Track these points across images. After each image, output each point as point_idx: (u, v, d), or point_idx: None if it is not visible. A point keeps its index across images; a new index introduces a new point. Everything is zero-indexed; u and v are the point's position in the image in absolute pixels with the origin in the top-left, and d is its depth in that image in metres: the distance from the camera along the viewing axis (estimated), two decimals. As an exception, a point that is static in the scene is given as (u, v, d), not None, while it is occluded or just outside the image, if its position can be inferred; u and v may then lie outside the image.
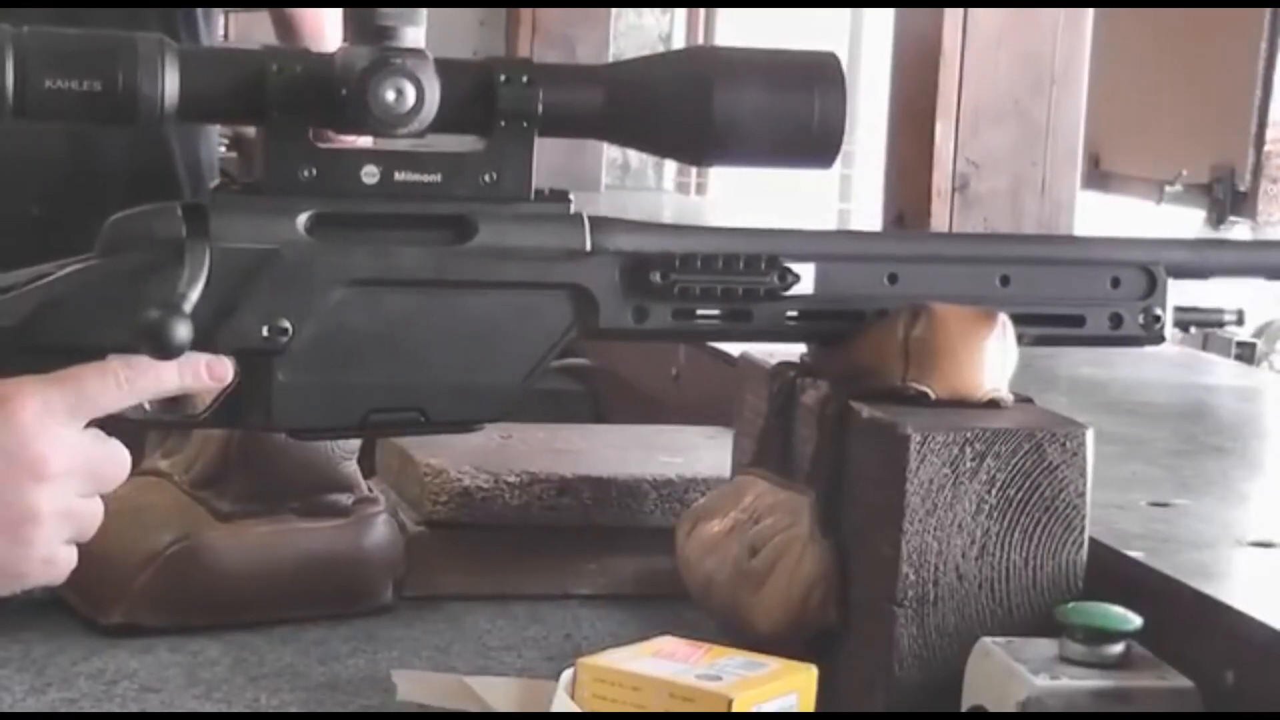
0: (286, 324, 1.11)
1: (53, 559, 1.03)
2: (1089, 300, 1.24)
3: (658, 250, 1.17)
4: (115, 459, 1.04)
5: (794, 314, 1.20)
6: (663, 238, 1.18)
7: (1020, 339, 1.22)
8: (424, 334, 1.13)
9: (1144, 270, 1.25)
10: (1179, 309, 1.27)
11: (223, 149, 2.26)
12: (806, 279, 1.19)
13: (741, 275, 1.18)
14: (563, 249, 1.15)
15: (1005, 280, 1.23)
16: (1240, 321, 1.34)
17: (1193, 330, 1.42)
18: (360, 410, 1.14)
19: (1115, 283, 1.25)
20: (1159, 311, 1.25)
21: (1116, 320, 1.25)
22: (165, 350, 1.03)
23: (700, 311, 1.18)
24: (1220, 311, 1.32)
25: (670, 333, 1.19)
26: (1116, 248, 1.26)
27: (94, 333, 1.08)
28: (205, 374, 1.07)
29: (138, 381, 1.04)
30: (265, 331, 1.11)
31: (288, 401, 1.12)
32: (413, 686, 1.21)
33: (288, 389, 1.12)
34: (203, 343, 1.08)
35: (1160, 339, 1.26)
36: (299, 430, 1.16)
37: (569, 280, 1.15)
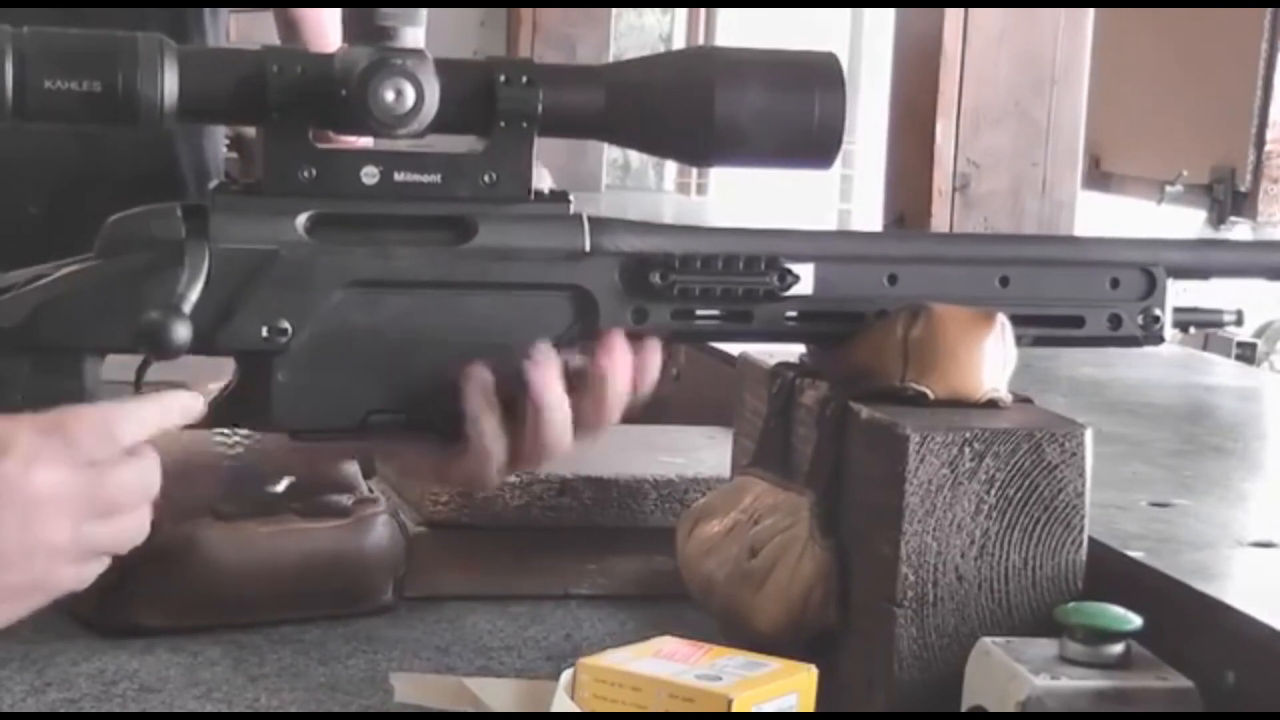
0: (286, 325, 1.11)
1: (80, 579, 1.03)
2: (1088, 301, 1.24)
3: (657, 251, 1.17)
4: (129, 484, 1.04)
5: (793, 314, 1.20)
6: (662, 238, 1.18)
7: (1020, 340, 1.22)
8: (423, 335, 1.14)
9: (1143, 271, 1.25)
10: (1178, 309, 1.26)
11: (223, 150, 2.26)
12: (806, 280, 1.19)
13: (741, 276, 1.17)
14: (562, 250, 1.15)
15: (1005, 281, 1.23)
16: (1240, 322, 1.33)
17: (1193, 330, 1.42)
18: (360, 411, 1.14)
19: (1115, 283, 1.24)
20: (1158, 312, 1.25)
21: (1116, 321, 1.25)
22: (164, 350, 1.03)
23: (700, 312, 1.18)
24: (1220, 312, 1.32)
25: (670, 333, 1.19)
26: (1116, 248, 1.26)
27: (93, 334, 1.08)
28: (177, 414, 1.07)
29: (121, 430, 1.03)
30: (265, 332, 1.11)
31: (287, 402, 1.12)
32: (411, 688, 1.21)
33: (287, 389, 1.12)
34: (202, 343, 1.08)
35: (1159, 340, 1.26)
36: (298, 431, 1.16)
37: (569, 281, 1.15)
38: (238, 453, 1.24)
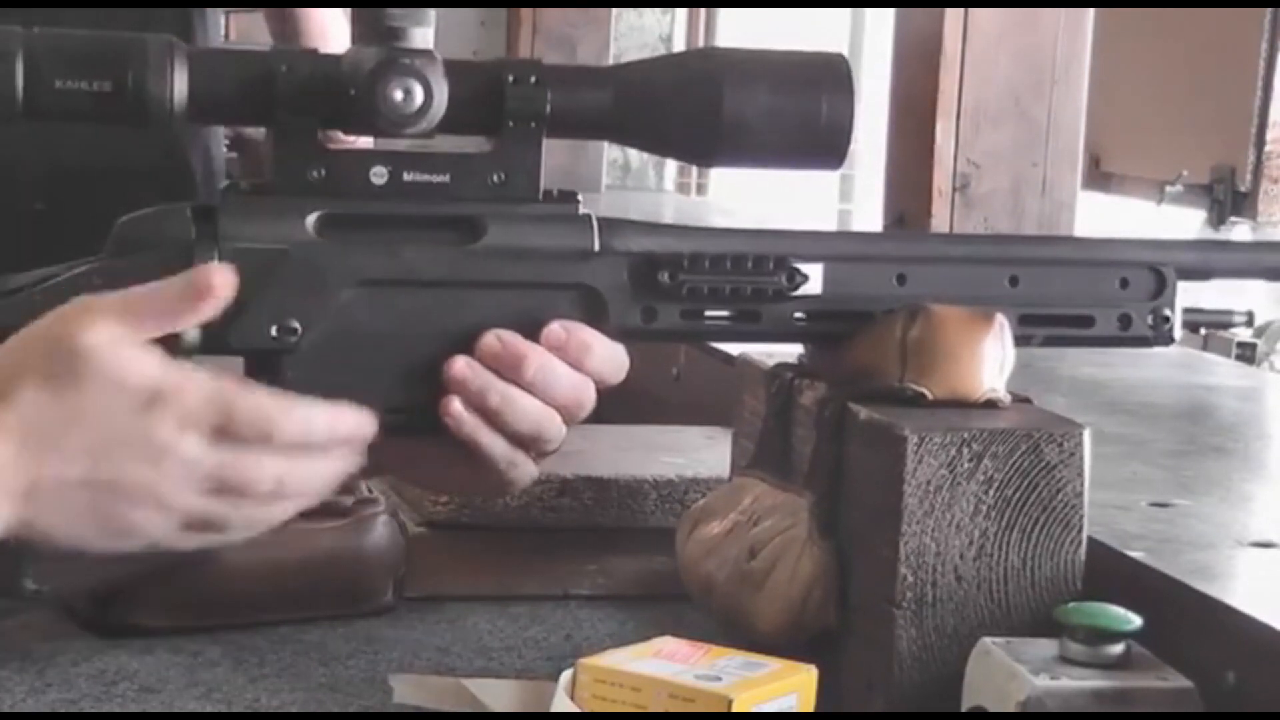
0: (296, 324, 1.11)
1: (170, 538, 1.06)
2: (1098, 301, 1.24)
3: (666, 251, 1.17)
4: (268, 476, 1.07)
5: (802, 315, 1.20)
6: (671, 238, 1.18)
7: (1029, 340, 1.22)
8: (433, 334, 1.14)
9: (1153, 271, 1.24)
10: (1189, 310, 1.26)
11: (224, 149, 2.26)
12: (815, 280, 1.19)
13: (750, 276, 1.17)
14: (571, 249, 1.15)
15: (1014, 281, 1.23)
16: (1250, 323, 1.33)
17: (1203, 331, 1.41)
18: (369, 411, 1.14)
19: (1124, 283, 1.24)
20: (1168, 312, 1.24)
21: (1126, 321, 1.24)
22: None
23: (709, 312, 1.18)
24: (1230, 313, 1.31)
25: (679, 333, 1.19)
26: (1126, 248, 1.26)
27: None
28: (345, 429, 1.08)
29: (281, 427, 1.06)
30: (275, 332, 1.11)
31: None
32: (411, 689, 1.21)
33: (297, 389, 1.12)
34: (213, 343, 1.09)
35: (1170, 340, 1.25)
36: None
37: (578, 281, 1.15)
38: None
